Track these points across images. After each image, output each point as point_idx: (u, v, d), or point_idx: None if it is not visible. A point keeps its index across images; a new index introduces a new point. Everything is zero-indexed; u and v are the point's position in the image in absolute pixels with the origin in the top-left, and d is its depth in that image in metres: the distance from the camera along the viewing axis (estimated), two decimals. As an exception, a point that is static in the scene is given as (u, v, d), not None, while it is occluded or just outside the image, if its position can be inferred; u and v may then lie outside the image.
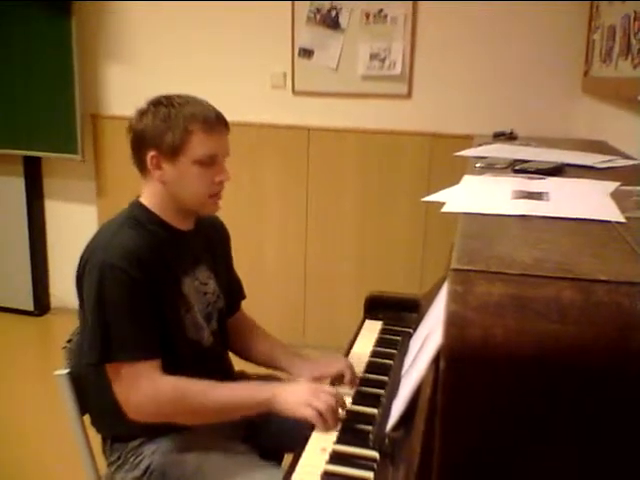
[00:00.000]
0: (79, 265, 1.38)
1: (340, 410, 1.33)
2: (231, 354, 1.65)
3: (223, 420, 1.37)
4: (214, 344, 1.52)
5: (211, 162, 1.39)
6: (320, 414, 1.27)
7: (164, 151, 1.37)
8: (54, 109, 3.32)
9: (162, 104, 1.39)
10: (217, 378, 1.38)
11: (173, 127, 1.36)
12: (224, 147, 1.43)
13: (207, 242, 1.55)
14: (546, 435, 0.66)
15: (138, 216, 1.42)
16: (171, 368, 1.34)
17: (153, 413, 1.33)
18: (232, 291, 1.64)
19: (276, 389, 1.35)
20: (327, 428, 1.28)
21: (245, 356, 1.65)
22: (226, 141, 1.44)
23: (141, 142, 1.40)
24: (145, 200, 1.45)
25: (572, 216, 0.93)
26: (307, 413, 1.28)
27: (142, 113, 1.41)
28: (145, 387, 1.30)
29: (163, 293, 1.37)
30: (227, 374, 1.59)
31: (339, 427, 1.30)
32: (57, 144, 3.37)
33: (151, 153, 1.38)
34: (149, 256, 1.35)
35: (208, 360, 1.49)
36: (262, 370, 1.67)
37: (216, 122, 1.40)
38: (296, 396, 1.31)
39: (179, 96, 1.42)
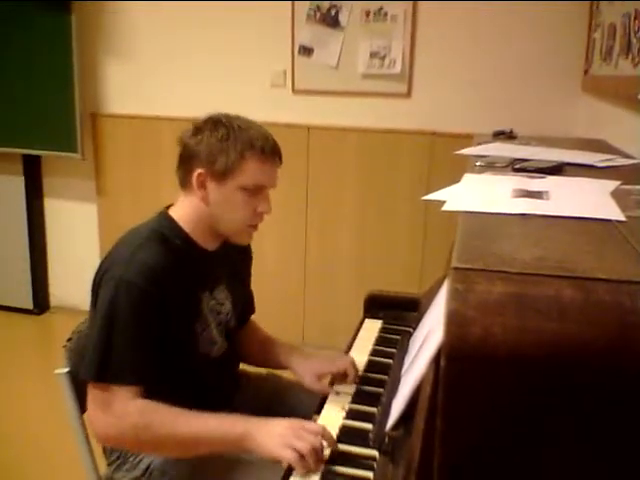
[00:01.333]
0: (98, 271, 1.35)
1: (326, 448, 1.19)
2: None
3: (190, 456, 1.30)
4: (223, 354, 1.50)
5: (257, 191, 1.37)
6: (301, 457, 1.15)
7: (214, 172, 1.34)
8: (54, 107, 3.32)
9: (222, 124, 1.36)
10: (224, 384, 1.36)
11: (229, 150, 1.33)
12: (273, 179, 1.40)
13: (230, 263, 1.52)
14: (546, 434, 0.66)
15: (164, 230, 1.38)
16: (178, 379, 1.33)
17: (115, 438, 1.29)
18: (245, 307, 1.63)
19: (252, 426, 1.23)
20: (308, 471, 1.15)
21: (245, 358, 1.65)
22: (276, 173, 1.41)
23: (191, 158, 1.36)
24: (176, 213, 1.41)
25: (572, 215, 0.93)
26: (287, 456, 1.16)
27: (198, 128, 1.37)
28: (113, 410, 1.25)
29: (180, 310, 1.34)
30: (232, 380, 1.59)
31: (321, 468, 1.16)
32: (57, 142, 3.37)
33: (199, 170, 1.35)
34: (170, 272, 1.30)
35: (216, 369, 1.48)
36: (262, 370, 1.67)
37: (272, 153, 1.37)
38: (275, 436, 1.19)
39: (239, 119, 1.38)
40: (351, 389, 1.45)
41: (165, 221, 1.40)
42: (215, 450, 1.27)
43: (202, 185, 1.36)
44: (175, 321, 1.32)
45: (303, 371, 1.51)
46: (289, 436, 1.18)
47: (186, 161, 1.38)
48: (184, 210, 1.41)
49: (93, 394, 1.28)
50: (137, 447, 1.33)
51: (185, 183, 1.39)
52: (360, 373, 1.52)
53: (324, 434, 1.21)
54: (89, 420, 1.30)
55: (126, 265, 1.28)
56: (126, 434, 1.26)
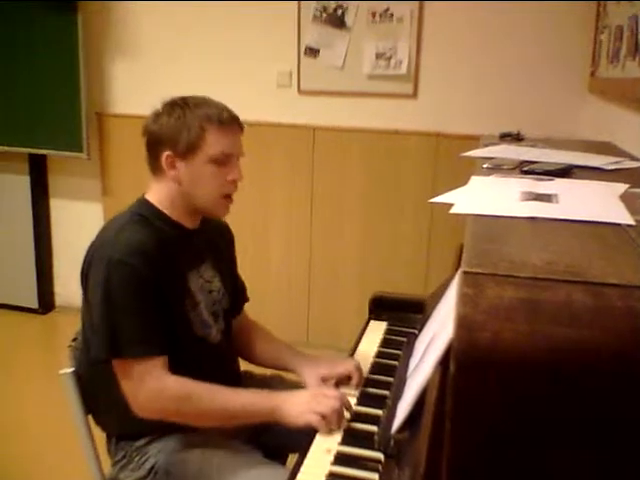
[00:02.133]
0: (84, 261, 1.39)
1: (345, 411, 1.32)
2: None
3: (225, 425, 1.37)
4: (222, 342, 1.52)
5: (225, 161, 1.41)
6: (323, 418, 1.27)
7: (179, 150, 1.39)
8: (60, 107, 3.32)
9: (177, 105, 1.42)
10: (224, 376, 1.38)
11: (188, 126, 1.38)
12: (238, 147, 1.45)
13: (211, 242, 1.56)
14: (556, 440, 0.65)
15: (144, 212, 1.43)
16: (178, 365, 1.34)
17: (158, 410, 1.33)
18: (236, 293, 1.64)
19: (280, 400, 1.34)
20: (330, 430, 1.28)
21: (249, 358, 1.65)
22: (240, 141, 1.45)
23: (156, 142, 1.42)
24: (152, 197, 1.46)
25: (581, 218, 0.92)
26: (311, 420, 1.28)
27: (157, 114, 1.43)
28: (152, 384, 1.30)
29: (169, 288, 1.37)
30: (234, 373, 1.59)
31: (344, 427, 1.29)
32: (62, 142, 3.37)
33: (166, 153, 1.40)
34: (155, 252, 1.35)
35: (215, 358, 1.50)
36: (267, 370, 1.67)
37: (230, 122, 1.42)
38: (299, 405, 1.31)
39: (194, 97, 1.44)
40: (356, 392, 1.45)
41: (144, 205, 1.45)
42: (249, 421, 1.37)
43: (172, 166, 1.41)
44: (166, 299, 1.35)
45: (307, 374, 1.52)
46: (311, 403, 1.30)
47: (153, 147, 1.43)
48: (159, 194, 1.45)
49: (124, 375, 1.32)
50: (179, 418, 1.36)
51: (156, 169, 1.44)
52: (365, 375, 1.52)
53: (342, 398, 1.33)
54: (130, 400, 1.32)
55: (112, 246, 1.33)
56: (168, 406, 1.32)
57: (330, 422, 1.27)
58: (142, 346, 1.30)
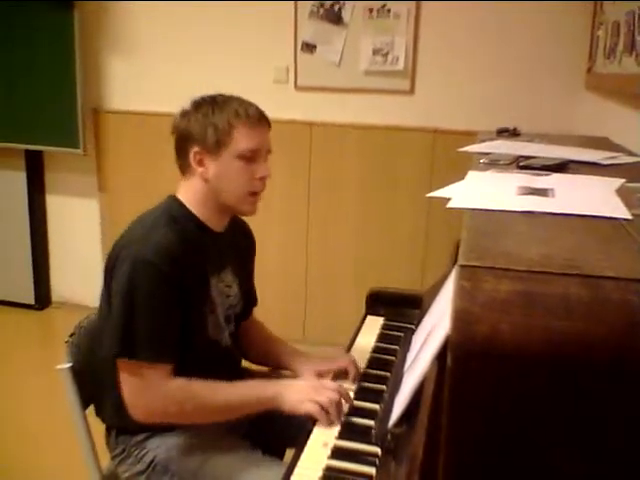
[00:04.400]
0: (110, 257, 1.38)
1: (344, 404, 1.34)
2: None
3: (228, 419, 1.37)
4: (232, 345, 1.53)
5: (253, 157, 1.40)
6: (323, 409, 1.29)
7: (207, 147, 1.38)
8: (56, 103, 3.31)
9: (205, 102, 1.42)
10: (230, 378, 1.38)
11: (216, 122, 1.38)
12: (266, 143, 1.44)
13: (236, 247, 1.56)
14: (553, 432, 0.66)
15: (174, 212, 1.42)
16: (188, 366, 1.34)
17: (160, 414, 1.33)
18: (249, 299, 1.65)
19: (280, 387, 1.36)
20: (330, 422, 1.29)
21: (247, 356, 1.66)
22: (268, 137, 1.45)
23: (185, 140, 1.41)
24: (182, 197, 1.45)
25: (578, 212, 0.93)
26: (310, 408, 1.30)
27: (185, 112, 1.43)
28: (155, 390, 1.31)
29: (192, 292, 1.36)
30: (239, 375, 1.59)
31: (342, 421, 1.30)
32: (59, 138, 3.36)
33: (194, 149, 1.39)
34: (182, 254, 1.34)
35: (225, 360, 1.51)
36: (266, 368, 1.67)
37: (258, 118, 1.41)
38: (299, 393, 1.33)
39: (221, 94, 1.44)
40: (352, 386, 1.45)
41: (175, 204, 1.44)
42: (250, 412, 1.38)
43: (200, 163, 1.40)
44: (187, 302, 1.35)
45: (303, 370, 1.53)
46: (310, 392, 1.33)
47: (182, 145, 1.43)
48: (188, 193, 1.44)
49: (128, 376, 1.32)
50: (182, 419, 1.37)
51: (185, 167, 1.44)
52: (362, 370, 1.52)
53: (341, 390, 1.35)
54: (128, 401, 1.32)
55: (141, 244, 1.32)
56: (170, 410, 1.33)
57: (329, 413, 1.29)
58: (153, 351, 1.30)
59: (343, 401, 1.34)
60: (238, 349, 1.60)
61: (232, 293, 1.53)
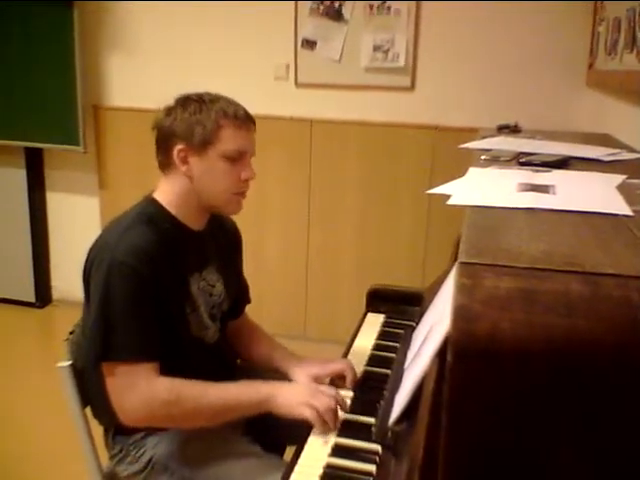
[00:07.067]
0: (87, 259, 1.37)
1: (340, 411, 1.30)
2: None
3: (219, 423, 1.33)
4: (218, 341, 1.52)
5: (238, 158, 1.39)
6: (319, 414, 1.26)
7: (193, 144, 1.37)
8: (56, 101, 3.31)
9: (192, 100, 1.40)
10: (219, 375, 1.36)
11: (204, 121, 1.36)
12: (252, 145, 1.43)
13: (218, 245, 1.54)
14: (554, 430, 0.65)
15: (151, 212, 1.40)
16: (174, 364, 1.33)
17: (146, 417, 1.31)
18: (239, 295, 1.64)
19: (274, 389, 1.33)
20: (326, 429, 1.26)
21: (245, 358, 1.65)
22: (253, 139, 1.44)
23: (169, 136, 1.39)
24: (160, 197, 1.43)
25: (579, 209, 0.92)
26: (306, 413, 1.26)
27: (170, 109, 1.41)
28: (140, 389, 1.28)
29: (169, 291, 1.35)
30: (230, 371, 1.59)
31: (338, 426, 1.27)
32: (59, 135, 3.36)
33: (179, 147, 1.37)
34: (159, 254, 1.33)
35: (211, 357, 1.49)
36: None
37: (245, 119, 1.40)
38: (294, 396, 1.30)
39: (208, 93, 1.42)
40: (350, 392, 1.42)
41: (150, 204, 1.43)
42: (242, 415, 1.35)
43: (184, 161, 1.38)
44: (166, 301, 1.34)
45: (298, 374, 1.49)
46: (306, 396, 1.29)
47: (164, 142, 1.40)
48: (168, 191, 1.43)
49: (113, 378, 1.29)
50: (169, 422, 1.35)
51: (166, 164, 1.42)
52: (363, 367, 1.52)
53: (337, 397, 1.31)
54: (115, 405, 1.30)
55: (116, 247, 1.30)
56: (157, 412, 1.30)
57: (324, 419, 1.25)
58: (135, 350, 1.28)
59: (339, 408, 1.31)
60: (226, 345, 1.58)
61: (216, 292, 1.50)
